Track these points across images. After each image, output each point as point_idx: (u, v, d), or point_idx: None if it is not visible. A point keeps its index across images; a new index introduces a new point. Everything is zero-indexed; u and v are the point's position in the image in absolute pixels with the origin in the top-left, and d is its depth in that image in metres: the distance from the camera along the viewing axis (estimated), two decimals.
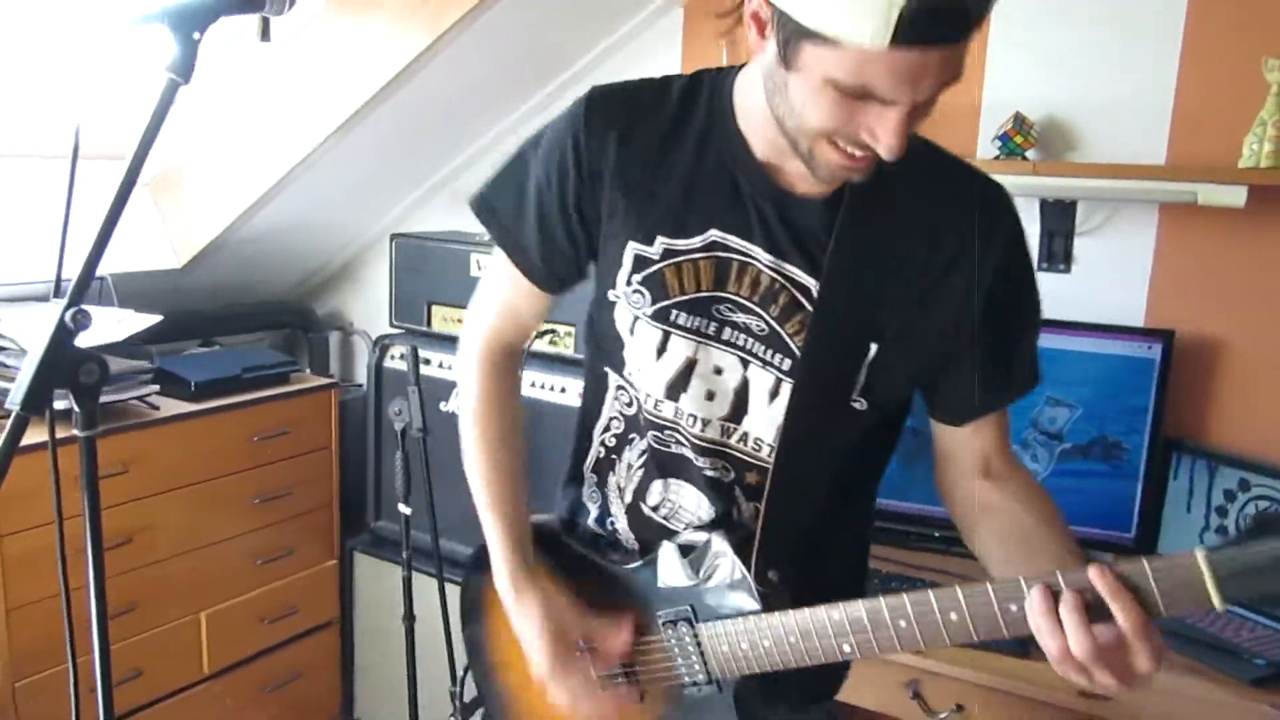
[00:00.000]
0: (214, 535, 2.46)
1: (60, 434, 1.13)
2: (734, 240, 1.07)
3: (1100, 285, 2.14)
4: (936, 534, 2.19)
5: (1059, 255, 2.16)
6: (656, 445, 1.16)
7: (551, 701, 1.19)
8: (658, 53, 2.55)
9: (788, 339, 1.07)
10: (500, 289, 1.23)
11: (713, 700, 1.13)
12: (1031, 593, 0.88)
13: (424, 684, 2.44)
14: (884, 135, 0.90)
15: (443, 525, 2.35)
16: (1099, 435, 2.08)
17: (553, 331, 2.45)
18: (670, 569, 1.14)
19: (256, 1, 1.19)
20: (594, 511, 1.27)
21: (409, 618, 2.40)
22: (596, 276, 1.17)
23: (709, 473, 1.13)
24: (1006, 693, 1.68)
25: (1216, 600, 0.82)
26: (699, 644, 1.11)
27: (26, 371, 1.03)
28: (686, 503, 1.16)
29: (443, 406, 2.52)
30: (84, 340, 1.17)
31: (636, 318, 1.11)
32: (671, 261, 1.09)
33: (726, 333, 1.09)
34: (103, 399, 2.23)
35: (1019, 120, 2.09)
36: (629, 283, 1.11)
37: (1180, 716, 1.58)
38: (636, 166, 1.09)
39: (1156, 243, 2.08)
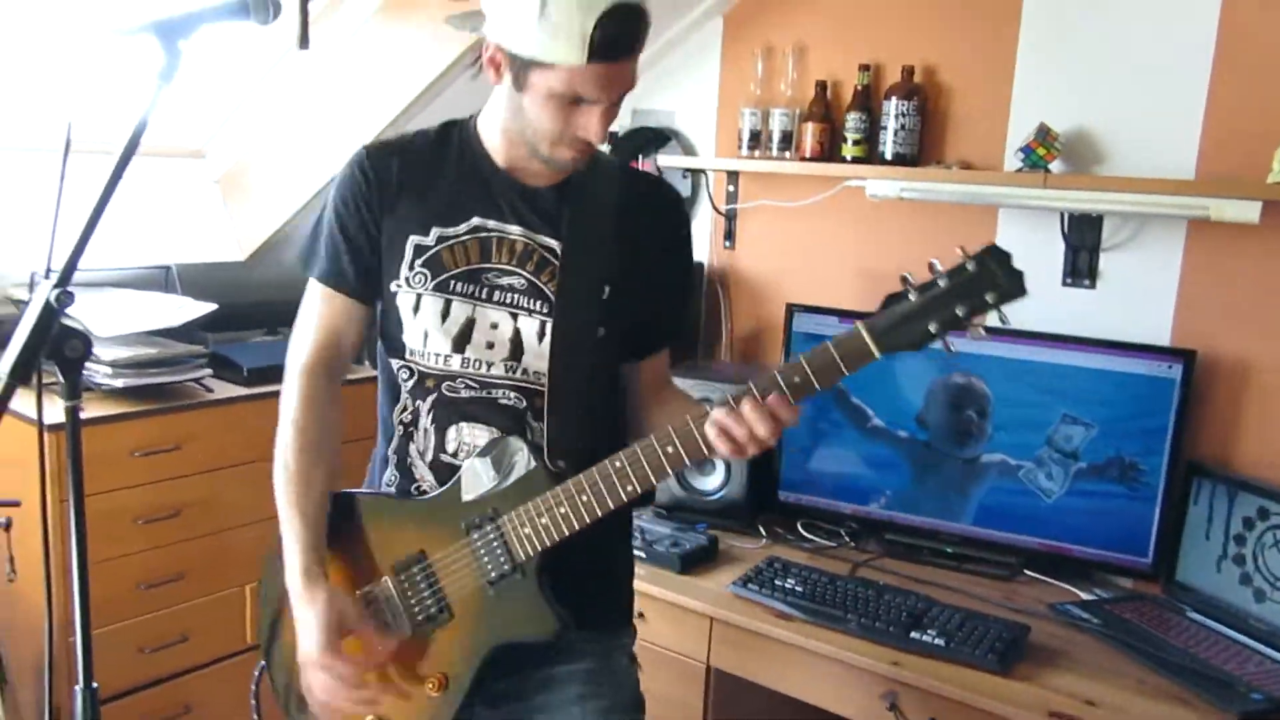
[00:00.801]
0: (260, 513, 2.58)
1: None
2: (492, 223, 1.37)
3: (1126, 302, 2.09)
4: (949, 549, 2.18)
5: (1083, 271, 2.13)
6: (447, 394, 1.37)
7: (304, 686, 1.34)
8: (698, 62, 2.60)
9: (543, 287, 1.36)
10: (319, 317, 1.43)
11: (517, 586, 1.31)
12: (717, 413, 1.21)
13: None
14: (593, 129, 1.26)
15: None
16: (1116, 455, 2.03)
17: None
18: (473, 481, 1.35)
19: (240, 12, 1.28)
20: (396, 484, 1.43)
21: None
22: (384, 280, 1.38)
23: (500, 401, 1.37)
24: (980, 710, 1.66)
25: (874, 349, 1.16)
26: (501, 534, 1.32)
27: (15, 345, 1.15)
28: (478, 438, 1.37)
29: None
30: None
31: (420, 295, 1.36)
32: (445, 245, 1.36)
33: (496, 295, 1.36)
34: (155, 380, 2.38)
35: (1043, 132, 2.06)
36: (411, 267, 1.36)
37: None
38: (411, 180, 1.37)
39: (1184, 259, 2.03)
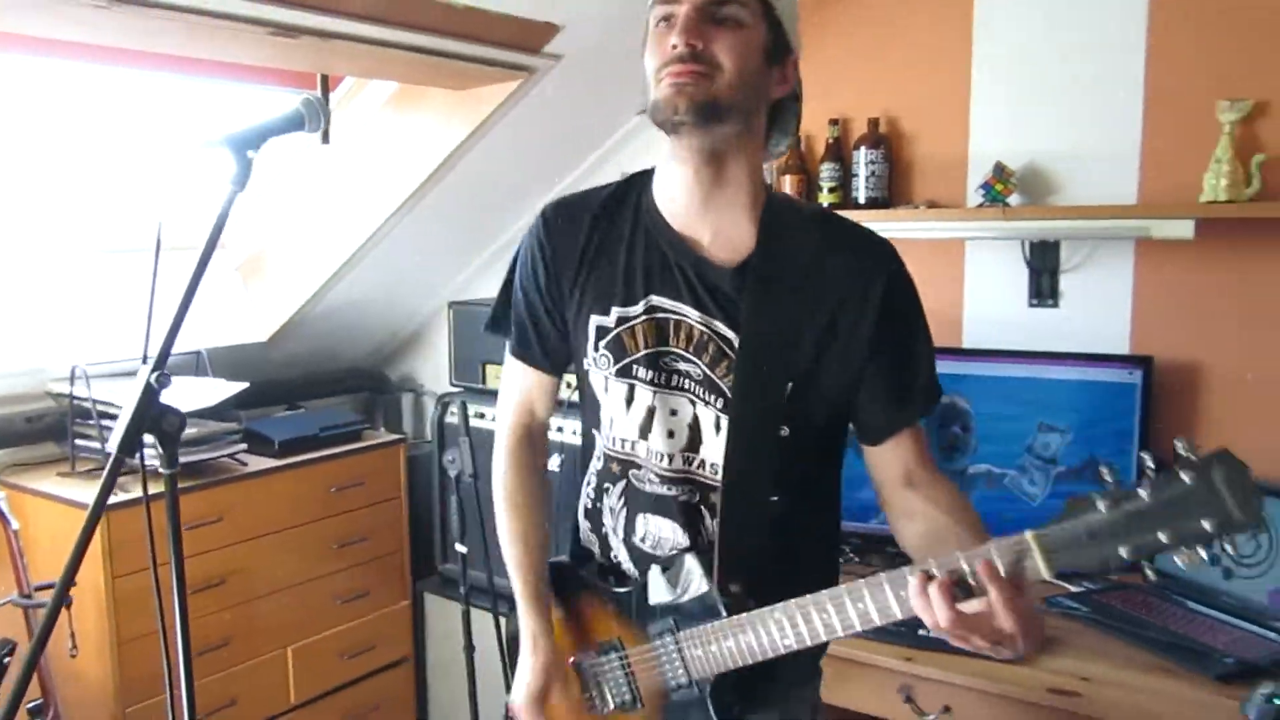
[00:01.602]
0: (298, 577, 2.75)
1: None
2: (668, 303, 1.30)
3: (1086, 318, 2.30)
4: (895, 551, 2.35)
5: (1046, 292, 2.34)
6: (634, 484, 1.36)
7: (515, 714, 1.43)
8: None
9: (719, 381, 1.28)
10: (514, 386, 1.48)
11: (691, 700, 1.31)
12: (910, 579, 1.06)
13: (485, 710, 2.67)
14: (674, 36, 1.18)
15: (498, 563, 2.59)
16: (1090, 457, 2.22)
17: None
18: (657, 589, 1.34)
19: (297, 124, 1.48)
20: (597, 551, 1.46)
21: (469, 648, 2.65)
22: (575, 354, 1.40)
23: (680, 498, 1.32)
24: (989, 694, 1.83)
25: (1046, 572, 1.01)
26: (679, 650, 1.29)
27: (121, 422, 1.32)
28: (664, 533, 1.35)
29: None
30: (175, 401, 1.45)
31: (607, 378, 1.34)
32: (625, 326, 1.32)
33: (675, 379, 1.31)
34: (197, 457, 2.56)
35: (999, 169, 2.28)
36: (596, 349, 1.34)
37: (1144, 706, 1.72)
38: (590, 250, 1.34)
39: (1134, 275, 2.24)
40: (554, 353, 1.43)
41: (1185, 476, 0.94)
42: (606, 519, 1.42)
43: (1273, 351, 2.10)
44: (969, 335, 2.45)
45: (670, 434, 1.31)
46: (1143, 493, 0.95)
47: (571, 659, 1.46)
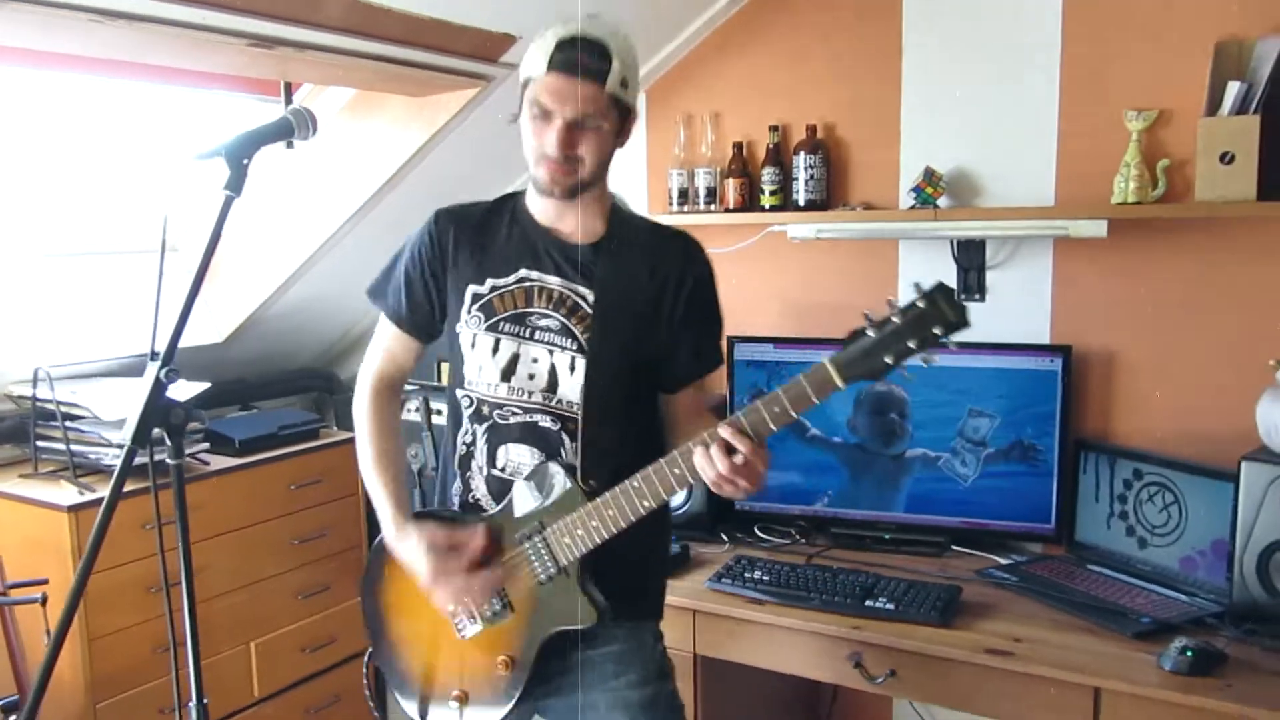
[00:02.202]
0: (260, 573, 2.80)
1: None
2: (535, 274, 1.65)
3: (1011, 310, 2.48)
4: (886, 536, 2.52)
5: (974, 287, 2.51)
6: (498, 420, 1.66)
7: (438, 604, 1.64)
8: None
9: (573, 329, 1.62)
10: (384, 343, 1.79)
11: (561, 586, 1.60)
12: (696, 449, 1.47)
13: None
14: (549, 141, 1.53)
15: None
16: (1017, 440, 2.41)
17: None
18: (523, 501, 1.62)
19: (288, 132, 1.57)
20: (457, 499, 1.73)
21: None
22: (446, 321, 1.72)
23: (540, 425, 1.63)
24: (932, 656, 1.99)
25: (839, 380, 1.37)
26: (547, 544, 1.59)
27: (133, 416, 1.40)
28: (523, 459, 1.66)
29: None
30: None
31: (475, 334, 1.66)
32: (496, 293, 1.66)
33: (536, 334, 1.64)
34: (158, 458, 2.58)
35: (929, 173, 2.45)
36: (469, 311, 1.67)
37: (1072, 660, 1.89)
38: (470, 240, 1.68)
39: (1053, 272, 2.43)
40: (421, 323, 1.75)
41: (919, 303, 1.32)
42: (474, 462, 1.69)
43: (1178, 339, 2.30)
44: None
45: (531, 376, 1.64)
46: (894, 318, 1.33)
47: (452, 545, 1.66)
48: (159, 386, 1.41)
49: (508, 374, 1.65)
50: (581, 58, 1.50)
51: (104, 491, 2.49)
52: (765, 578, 2.25)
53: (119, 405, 2.55)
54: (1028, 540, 2.47)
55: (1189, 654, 1.82)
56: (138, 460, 2.52)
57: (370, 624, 1.82)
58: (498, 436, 1.67)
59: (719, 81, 2.80)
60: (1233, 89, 2.03)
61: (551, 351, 1.63)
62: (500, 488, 1.67)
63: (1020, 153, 2.42)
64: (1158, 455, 2.24)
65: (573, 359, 1.62)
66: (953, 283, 2.53)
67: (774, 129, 2.66)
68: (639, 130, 2.91)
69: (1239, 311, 2.22)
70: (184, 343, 2.93)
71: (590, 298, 1.62)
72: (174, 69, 2.29)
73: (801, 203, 2.61)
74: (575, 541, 1.58)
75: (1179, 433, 2.27)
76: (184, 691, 1.57)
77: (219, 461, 2.74)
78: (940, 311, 1.33)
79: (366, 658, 1.85)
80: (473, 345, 1.67)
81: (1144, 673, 1.84)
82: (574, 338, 1.62)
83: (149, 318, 3.04)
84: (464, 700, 1.69)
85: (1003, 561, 2.39)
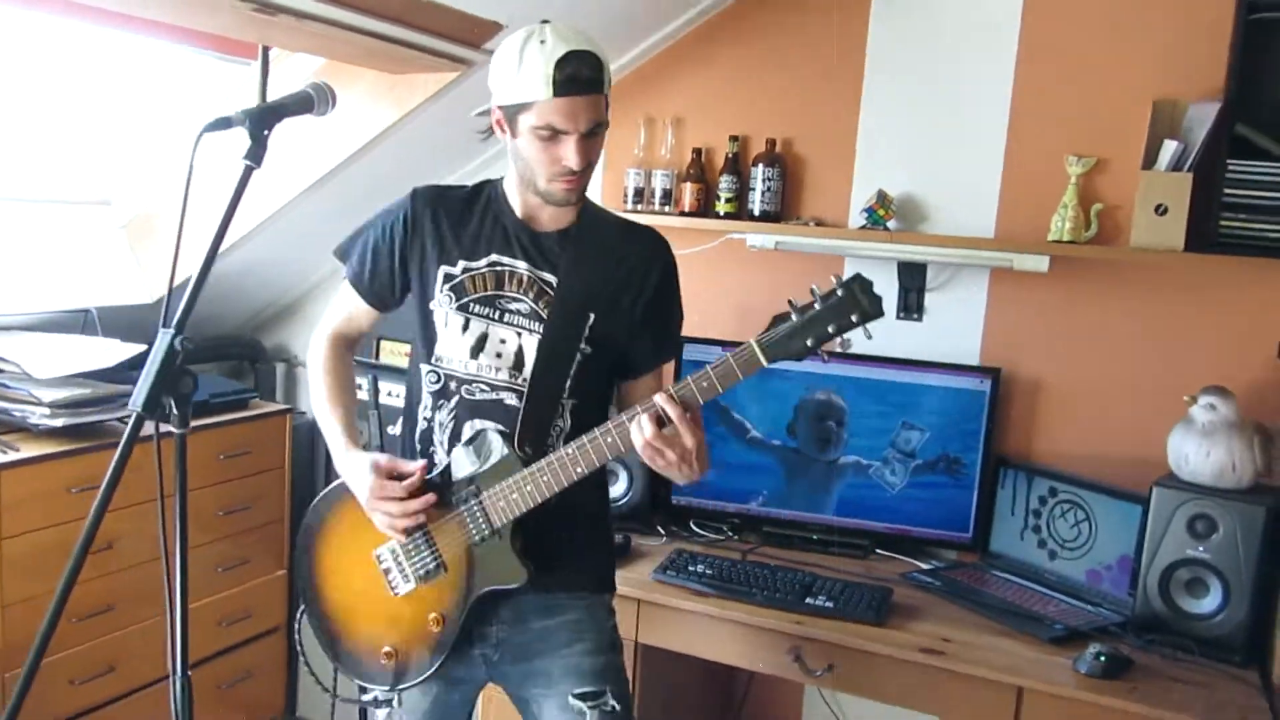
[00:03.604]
0: (189, 541, 2.73)
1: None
2: (505, 260, 1.72)
3: (946, 331, 2.64)
4: (814, 536, 2.64)
5: (913, 307, 2.66)
6: (465, 395, 1.72)
7: (377, 522, 1.69)
8: None
9: (540, 312, 1.70)
10: (344, 306, 1.85)
11: (493, 547, 1.67)
12: (630, 417, 1.56)
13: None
14: (571, 157, 1.58)
15: None
16: (943, 453, 2.56)
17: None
18: (460, 465, 1.69)
19: (309, 106, 1.56)
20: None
21: None
22: (418, 298, 1.75)
23: (505, 402, 1.70)
24: (870, 653, 2.12)
25: (763, 359, 1.47)
26: (482, 506, 1.66)
27: (144, 382, 1.39)
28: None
29: (390, 430, 2.86)
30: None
31: (448, 312, 1.71)
32: (468, 275, 1.72)
33: (505, 316, 1.71)
34: (91, 418, 2.51)
35: (881, 196, 2.58)
36: (441, 290, 1.72)
37: (996, 661, 2.05)
38: (446, 222, 1.74)
39: (988, 298, 2.60)
40: (379, 293, 1.80)
41: (839, 291, 1.45)
42: (436, 434, 1.75)
43: (1101, 370, 2.49)
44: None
45: (498, 355, 1.71)
46: (816, 305, 1.45)
47: (373, 550, 1.74)
48: (172, 354, 1.39)
49: (476, 352, 1.71)
50: (582, 73, 1.54)
51: (29, 453, 2.40)
52: (708, 572, 2.34)
53: (56, 362, 2.45)
54: (944, 547, 2.64)
55: (1102, 659, 1.99)
56: (83, 419, 2.45)
57: (302, 581, 1.85)
58: (465, 411, 1.73)
59: (682, 88, 2.87)
60: (1169, 147, 2.22)
61: (519, 334, 1.70)
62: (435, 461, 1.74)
63: (966, 185, 2.57)
64: (1073, 475, 2.42)
65: (520, 336, 1.71)
66: (893, 301, 2.68)
67: (734, 139, 2.75)
68: None
69: (1159, 349, 2.43)
70: (109, 301, 2.87)
71: (554, 282, 1.70)
72: (146, 20, 2.22)
73: (756, 213, 2.71)
74: (510, 505, 1.64)
75: (1094, 456, 2.46)
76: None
77: (149, 428, 2.66)
78: (857, 300, 1.45)
79: (299, 616, 1.86)
80: (445, 324, 1.73)
81: (1061, 675, 2.01)
82: (539, 319, 1.70)
83: (81, 271, 2.95)
84: (393, 656, 1.75)
85: (924, 566, 2.54)
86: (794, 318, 1.46)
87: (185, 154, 1.45)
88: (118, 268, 2.88)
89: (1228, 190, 2.18)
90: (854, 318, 1.45)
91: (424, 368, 1.75)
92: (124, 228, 2.90)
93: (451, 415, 1.73)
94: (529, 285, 1.70)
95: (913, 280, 2.65)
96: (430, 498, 1.66)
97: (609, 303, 1.72)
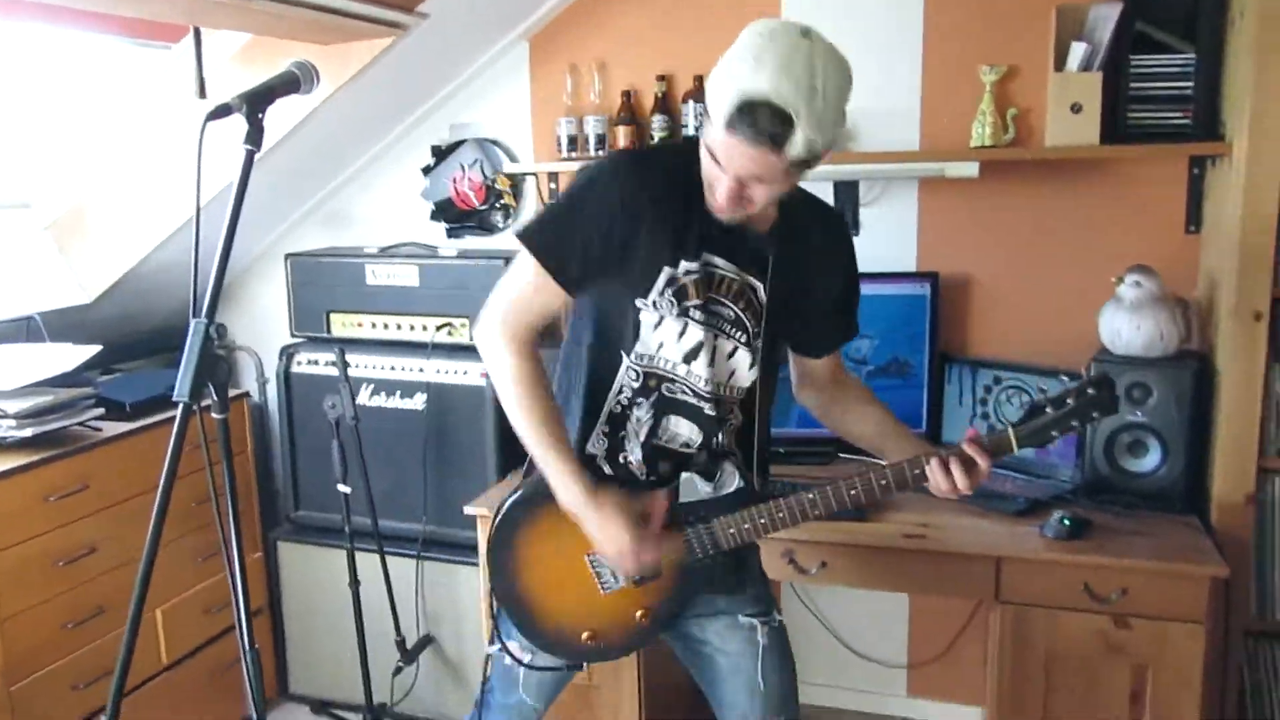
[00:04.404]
0: (163, 538, 2.72)
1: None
2: (718, 261, 1.66)
3: (883, 242, 2.79)
4: (782, 450, 2.78)
5: (851, 223, 2.80)
6: (667, 394, 1.71)
7: (621, 569, 1.71)
8: (509, 80, 3.01)
9: (745, 320, 1.69)
10: (529, 291, 1.68)
11: (716, 564, 1.75)
12: (932, 463, 1.64)
13: (352, 643, 2.83)
14: (720, 194, 1.52)
15: (385, 505, 2.77)
16: (893, 357, 2.73)
17: (449, 325, 2.87)
18: (689, 489, 1.73)
19: (294, 86, 1.58)
20: (601, 452, 1.76)
21: (354, 584, 2.78)
22: (623, 288, 1.66)
23: (709, 411, 1.71)
24: (857, 546, 2.29)
25: (1016, 449, 1.63)
26: (711, 532, 1.71)
27: (187, 372, 1.41)
28: (681, 430, 1.74)
29: (405, 401, 2.89)
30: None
31: (664, 315, 1.66)
32: (689, 277, 1.64)
33: (718, 322, 1.68)
34: (55, 425, 2.48)
35: None
36: (661, 294, 1.64)
37: (974, 539, 2.24)
38: (659, 210, 1.60)
39: (918, 207, 2.76)
40: (583, 280, 1.67)
41: (1090, 390, 1.56)
42: (630, 424, 1.74)
43: (1030, 263, 2.69)
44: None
45: (711, 364, 1.70)
46: (1069, 400, 1.57)
47: (587, 555, 1.76)
48: (209, 342, 1.42)
49: (690, 358, 1.69)
50: (759, 125, 1.41)
51: (6, 464, 2.35)
52: None
53: (12, 373, 2.40)
54: None
55: (1067, 523, 2.20)
56: (51, 427, 2.41)
57: (499, 570, 1.81)
58: (664, 409, 1.72)
59: (601, 33, 2.91)
60: (1077, 49, 2.39)
61: (735, 348, 1.70)
62: (654, 455, 1.74)
63: (889, 101, 2.71)
64: (1014, 363, 2.62)
65: (752, 355, 1.71)
66: None
67: (661, 78, 2.83)
68: (521, 79, 3.02)
69: (1082, 237, 2.63)
70: (49, 305, 2.80)
71: (762, 291, 1.68)
72: (63, 8, 2.16)
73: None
74: (741, 533, 1.71)
75: (1032, 343, 2.66)
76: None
77: (111, 427, 2.64)
78: (1103, 401, 1.56)
79: (493, 603, 1.85)
80: (657, 325, 1.67)
81: (1031, 541, 2.21)
82: (745, 330, 1.69)
83: (13, 279, 2.86)
84: (594, 639, 1.80)
85: (884, 463, 2.71)
86: (1049, 411, 1.59)
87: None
88: (49, 271, 2.81)
89: (1133, 84, 2.37)
90: (1095, 415, 1.58)
91: (625, 361, 1.70)
92: (48, 229, 2.82)
93: (651, 413, 1.72)
94: (738, 292, 1.67)
95: (848, 197, 2.79)
96: (671, 548, 1.70)
97: (810, 300, 1.74)
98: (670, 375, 1.71)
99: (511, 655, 1.85)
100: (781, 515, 1.69)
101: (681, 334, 1.67)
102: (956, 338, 2.78)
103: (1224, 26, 2.34)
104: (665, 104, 2.82)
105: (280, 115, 2.60)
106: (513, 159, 3.06)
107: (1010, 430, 1.62)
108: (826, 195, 2.78)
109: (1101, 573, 2.13)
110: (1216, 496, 2.30)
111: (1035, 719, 2.24)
